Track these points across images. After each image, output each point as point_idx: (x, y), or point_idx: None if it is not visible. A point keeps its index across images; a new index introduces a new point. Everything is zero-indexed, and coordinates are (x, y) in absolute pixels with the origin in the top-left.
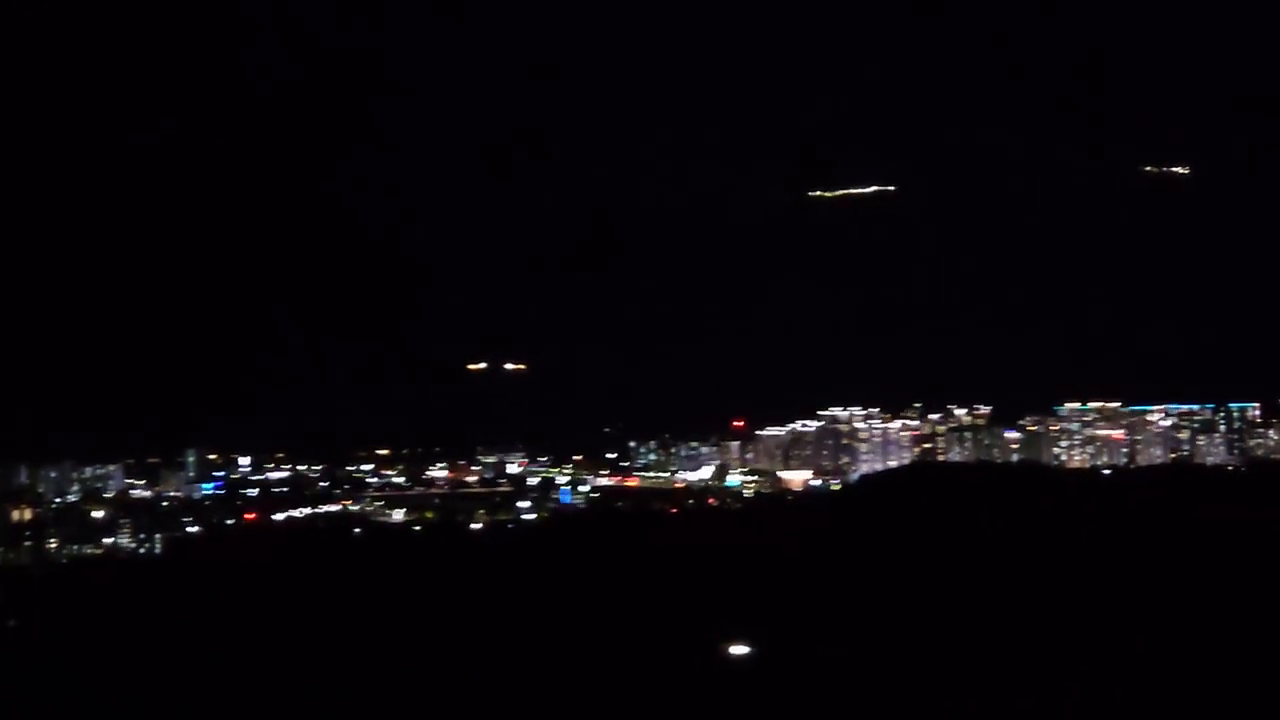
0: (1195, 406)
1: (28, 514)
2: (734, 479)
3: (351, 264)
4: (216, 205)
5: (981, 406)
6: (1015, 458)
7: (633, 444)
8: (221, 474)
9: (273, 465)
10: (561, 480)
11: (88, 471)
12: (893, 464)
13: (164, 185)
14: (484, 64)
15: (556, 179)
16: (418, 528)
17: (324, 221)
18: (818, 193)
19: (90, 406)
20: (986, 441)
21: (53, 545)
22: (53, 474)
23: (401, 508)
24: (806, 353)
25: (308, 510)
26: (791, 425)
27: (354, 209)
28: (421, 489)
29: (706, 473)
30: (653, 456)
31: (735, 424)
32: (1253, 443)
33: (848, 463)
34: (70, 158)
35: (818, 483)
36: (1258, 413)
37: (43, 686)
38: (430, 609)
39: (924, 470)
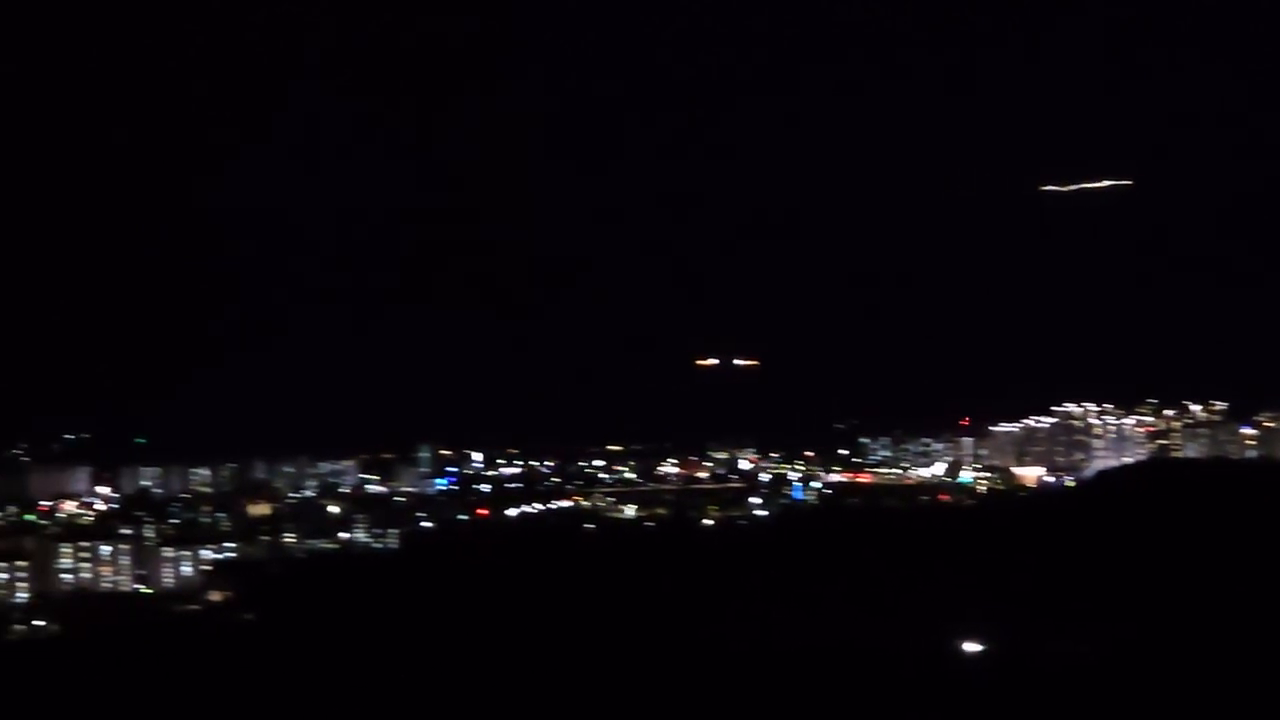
0: None
1: (265, 508)
2: (967, 475)
3: (579, 262)
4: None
5: (1217, 402)
6: (1251, 454)
7: (865, 440)
8: (455, 469)
9: (505, 461)
10: (793, 476)
11: (324, 467)
12: (1127, 460)
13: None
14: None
15: (784, 174)
16: (649, 523)
17: (551, 215)
18: (1052, 186)
19: (327, 403)
20: (1222, 437)
21: (290, 539)
22: (289, 469)
23: (633, 504)
24: (1040, 348)
25: (540, 506)
26: (1025, 421)
27: (576, 207)
28: (653, 485)
29: (939, 469)
30: (885, 453)
31: (961, 422)
32: None
33: (1082, 459)
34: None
35: (1051, 479)
36: None
37: (280, 678)
38: (661, 604)
39: (1160, 467)
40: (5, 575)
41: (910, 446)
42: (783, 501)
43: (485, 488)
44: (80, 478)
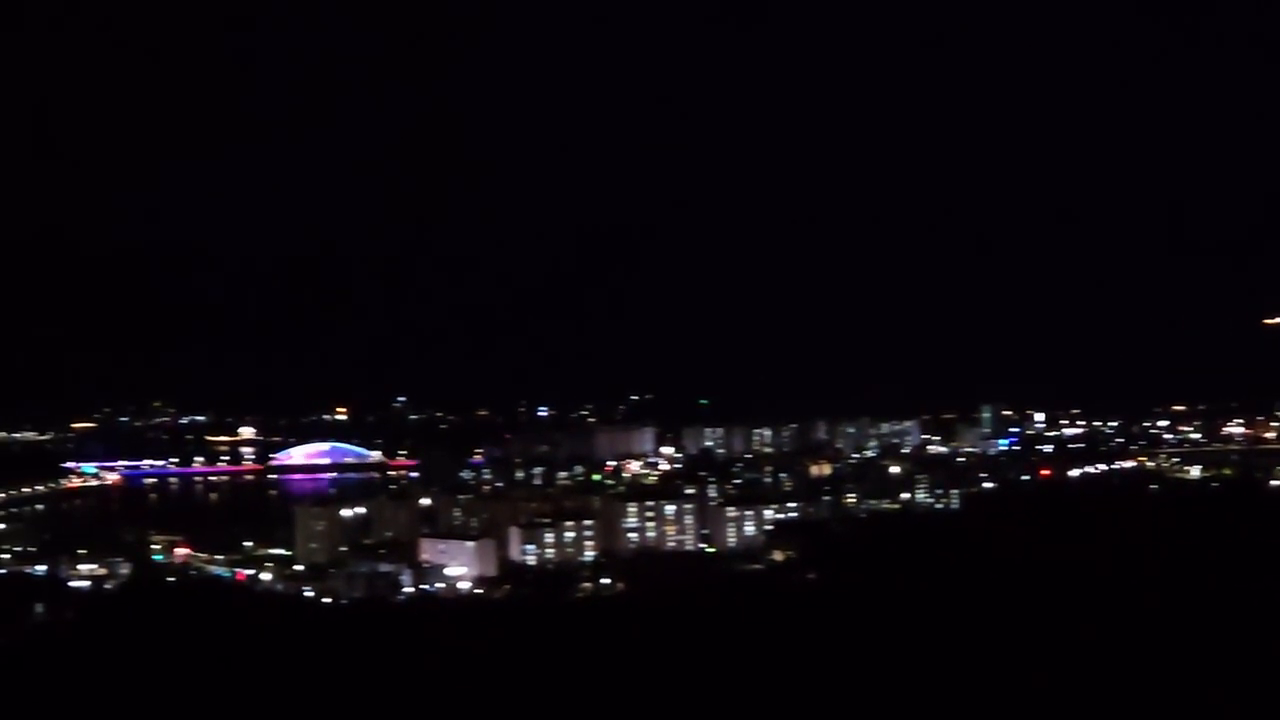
0: None
1: (826, 469)
2: None
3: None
4: None
5: None
6: None
7: None
8: (1017, 430)
9: (1067, 421)
10: None
11: (885, 427)
12: None
13: None
14: None
15: None
16: (1215, 484)
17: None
18: None
19: (889, 364)
20: None
21: (851, 499)
22: (851, 430)
23: (1198, 464)
24: None
25: (1103, 467)
26: None
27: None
28: (1218, 445)
29: None
30: None
31: None
32: None
33: None
34: None
35: None
36: None
37: (842, 637)
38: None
39: None
40: (573, 534)
41: None
42: None
43: (1048, 448)
44: (645, 438)
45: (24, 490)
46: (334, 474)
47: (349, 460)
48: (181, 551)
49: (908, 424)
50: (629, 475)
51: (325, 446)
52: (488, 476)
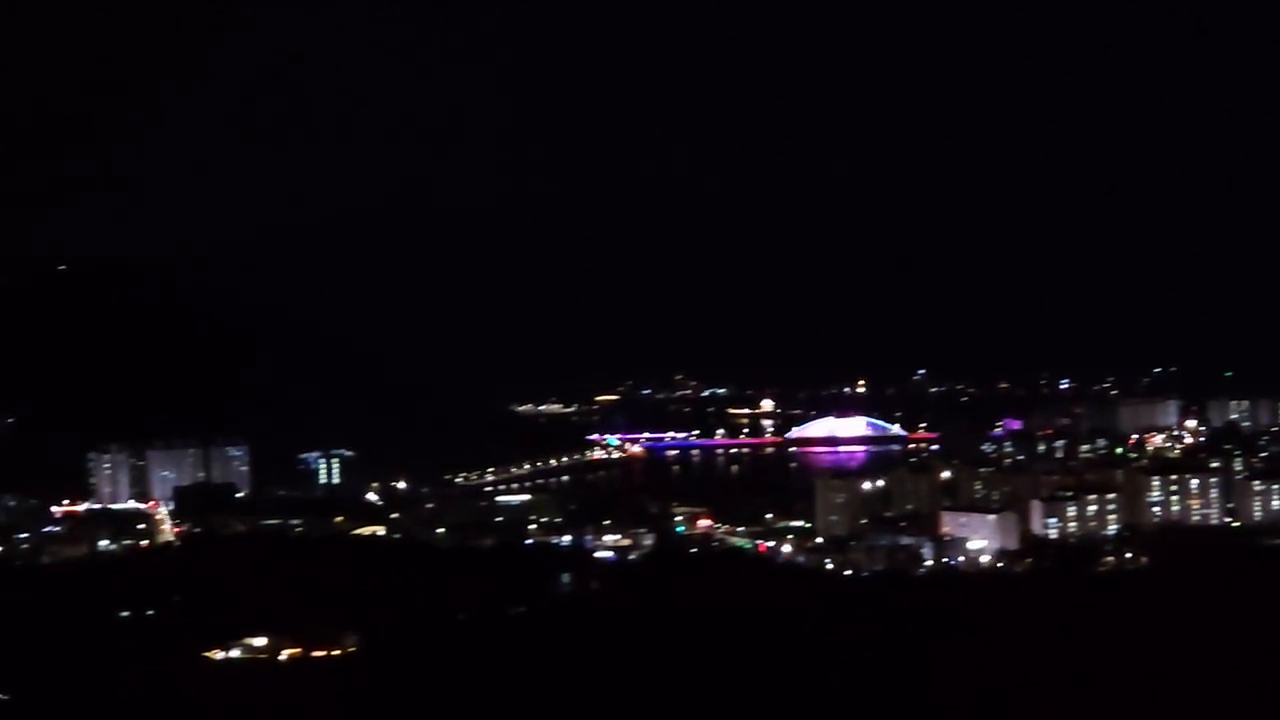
0: None
1: None
2: None
3: None
4: None
5: None
6: None
7: None
8: None
9: None
10: None
11: None
12: None
13: None
14: None
15: None
16: None
17: None
18: None
19: None
20: None
21: None
22: None
23: None
24: None
25: None
26: None
27: None
28: None
29: None
30: None
31: None
32: None
33: None
34: None
35: None
36: None
37: None
38: None
39: None
40: (1095, 508)
41: None
42: None
43: None
44: (1169, 411)
45: (550, 462)
46: (854, 447)
47: (869, 433)
48: (704, 523)
49: None
50: (1152, 448)
51: (846, 419)
52: (1009, 449)
